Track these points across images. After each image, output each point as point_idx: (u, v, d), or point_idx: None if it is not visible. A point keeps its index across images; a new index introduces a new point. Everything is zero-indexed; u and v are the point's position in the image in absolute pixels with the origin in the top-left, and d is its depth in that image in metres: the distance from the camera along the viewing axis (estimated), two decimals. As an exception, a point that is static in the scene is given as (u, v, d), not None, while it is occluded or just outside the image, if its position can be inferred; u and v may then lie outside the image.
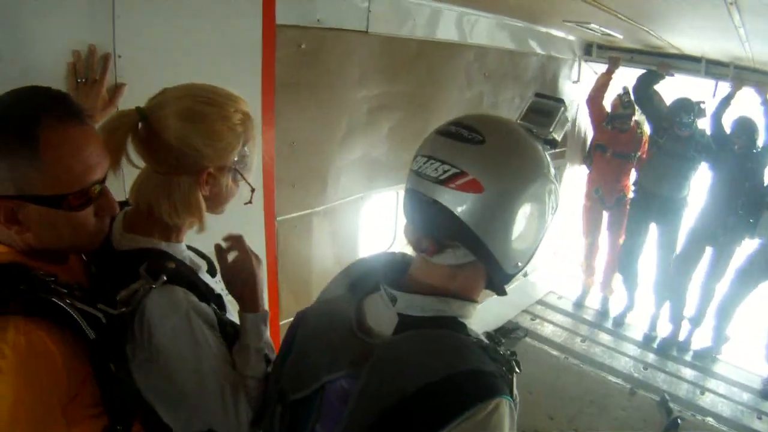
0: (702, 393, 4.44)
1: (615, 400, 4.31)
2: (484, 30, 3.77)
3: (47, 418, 0.94)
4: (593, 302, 5.67)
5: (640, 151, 5.15)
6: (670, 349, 4.94)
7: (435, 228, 0.96)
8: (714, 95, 4.73)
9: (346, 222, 3.16)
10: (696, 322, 4.93)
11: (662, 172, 4.79)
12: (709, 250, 4.76)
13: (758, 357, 4.63)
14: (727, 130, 4.49)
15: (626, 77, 5.05)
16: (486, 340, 0.99)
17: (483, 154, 0.93)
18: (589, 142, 5.62)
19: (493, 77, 4.04)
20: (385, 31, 2.95)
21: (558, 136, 1.08)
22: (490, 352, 0.94)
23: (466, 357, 0.91)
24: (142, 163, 1.24)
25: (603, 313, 5.53)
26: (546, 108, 1.12)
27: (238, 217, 1.35)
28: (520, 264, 1.00)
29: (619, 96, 5.05)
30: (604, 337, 5.17)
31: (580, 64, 5.34)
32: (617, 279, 5.44)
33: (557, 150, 1.31)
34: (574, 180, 5.65)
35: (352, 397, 0.93)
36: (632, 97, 4.89)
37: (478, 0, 3.28)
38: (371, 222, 3.46)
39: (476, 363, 0.90)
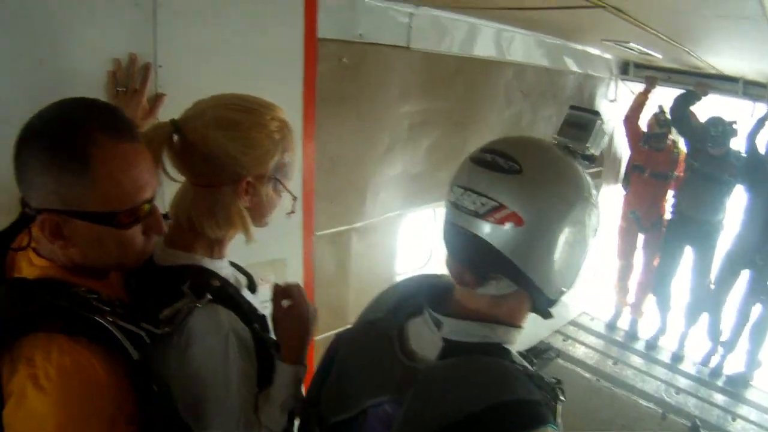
0: (733, 419, 4.26)
1: (646, 424, 4.18)
2: (523, 47, 3.69)
3: None
4: (625, 324, 5.51)
5: (677, 171, 4.99)
6: (717, 376, 4.75)
7: (476, 261, 0.93)
8: (752, 117, 4.55)
9: (383, 239, 3.07)
10: (730, 346, 4.73)
11: (698, 196, 4.65)
12: (745, 273, 4.56)
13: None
14: (762, 151, 4.33)
15: (662, 96, 4.91)
16: (531, 368, 0.96)
17: (521, 184, 0.89)
18: (625, 164, 5.46)
19: (532, 95, 3.94)
20: (425, 47, 2.89)
21: (596, 151, 1.05)
22: (536, 380, 0.90)
23: (513, 386, 0.87)
24: (179, 176, 1.19)
25: (632, 335, 5.35)
26: (581, 121, 1.07)
27: (276, 231, 1.29)
28: (564, 289, 0.97)
29: (655, 115, 4.93)
30: (636, 360, 5.00)
31: (617, 83, 5.21)
32: (649, 301, 5.28)
33: (594, 170, 1.23)
34: (609, 201, 5.49)
35: (396, 422, 0.90)
36: (668, 116, 4.74)
37: (517, 18, 3.19)
38: (407, 239, 3.37)
39: (522, 392, 0.86)
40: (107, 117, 0.94)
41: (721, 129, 4.39)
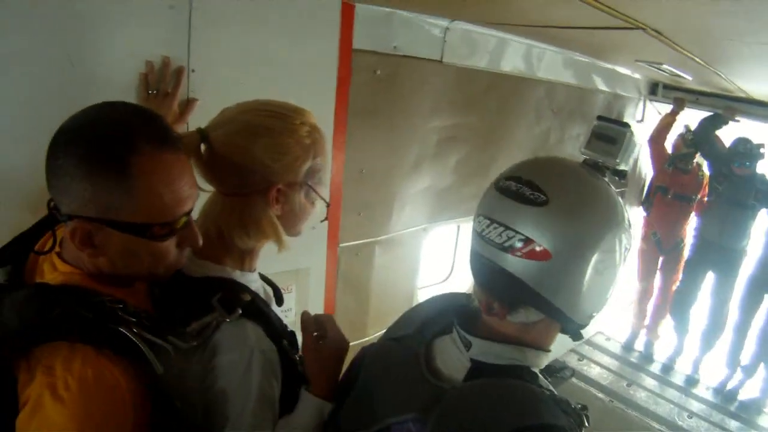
0: (745, 445, 4.15)
1: (658, 447, 4.09)
2: (553, 65, 3.60)
3: None
4: (640, 345, 5.39)
5: (700, 194, 4.87)
6: (731, 401, 4.62)
7: (504, 293, 0.91)
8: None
9: (406, 252, 3.00)
10: (750, 371, 4.60)
11: (722, 221, 4.54)
12: (768, 298, 4.47)
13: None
14: None
15: (689, 118, 4.79)
16: (558, 394, 0.91)
17: (548, 217, 0.85)
18: (647, 185, 5.33)
19: (561, 113, 3.85)
20: (459, 62, 2.81)
21: (626, 166, 1.01)
22: (563, 405, 0.87)
23: (539, 410, 0.84)
24: (208, 186, 1.13)
25: (647, 357, 5.22)
26: (611, 133, 1.04)
27: (301, 241, 1.21)
28: (594, 314, 0.95)
29: (682, 135, 4.81)
30: (650, 382, 4.87)
31: (645, 104, 5.08)
32: (665, 324, 5.16)
33: (618, 189, 1.17)
34: (631, 221, 5.29)
35: None
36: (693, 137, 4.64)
37: (550, 35, 3.10)
38: (430, 254, 3.30)
39: (548, 417, 0.83)
40: (152, 125, 0.89)
41: (750, 147, 4.30)
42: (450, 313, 1.02)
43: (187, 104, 1.67)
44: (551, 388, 0.94)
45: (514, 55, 3.23)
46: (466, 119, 3.02)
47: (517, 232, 0.86)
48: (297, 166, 1.10)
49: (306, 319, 1.20)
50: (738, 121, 4.44)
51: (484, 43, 2.98)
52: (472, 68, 2.93)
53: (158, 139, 0.88)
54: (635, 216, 5.35)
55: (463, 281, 3.68)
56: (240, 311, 1.03)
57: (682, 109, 4.77)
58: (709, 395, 4.67)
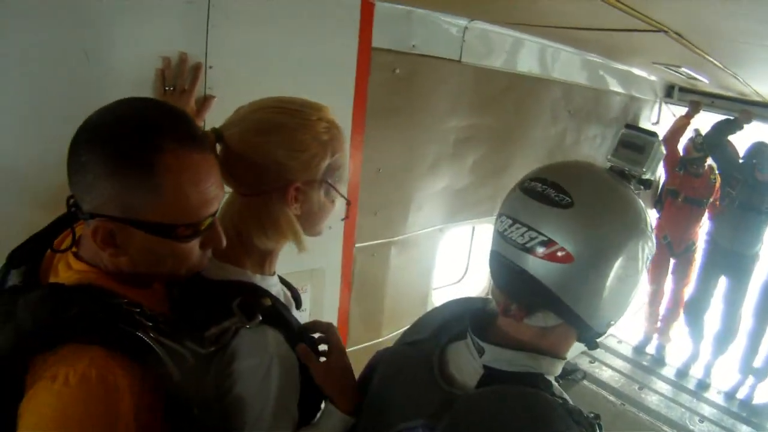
0: (757, 450, 4.11)
1: (669, 452, 4.05)
2: (570, 66, 3.54)
3: None
4: (652, 349, 5.33)
5: (712, 197, 4.78)
6: (743, 406, 4.56)
7: (522, 295, 0.89)
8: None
9: (421, 253, 2.95)
10: (762, 375, 4.54)
11: (735, 226, 4.49)
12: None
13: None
14: None
15: (703, 121, 4.72)
16: (572, 402, 0.89)
17: (572, 220, 0.84)
18: (660, 187, 5.25)
19: (577, 115, 3.79)
20: (477, 62, 2.76)
21: (652, 176, 1.00)
22: (575, 415, 0.84)
23: (550, 419, 0.82)
24: (225, 187, 1.06)
25: (659, 360, 5.15)
26: (638, 142, 1.03)
27: (317, 240, 1.17)
28: (612, 322, 0.93)
29: (692, 139, 4.72)
30: (662, 386, 4.81)
31: (660, 106, 5.00)
32: (677, 327, 5.11)
33: (636, 191, 1.15)
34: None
35: None
36: (703, 141, 4.57)
37: (569, 36, 3.03)
38: (445, 254, 3.24)
39: (560, 427, 0.81)
40: (180, 123, 0.86)
41: None
42: (466, 318, 1.00)
43: (204, 101, 1.63)
44: (565, 396, 0.91)
45: (531, 55, 3.18)
46: (483, 119, 2.97)
47: (539, 233, 0.84)
48: (315, 164, 1.06)
49: (304, 353, 1.09)
50: (750, 122, 4.36)
51: (502, 43, 2.93)
52: (490, 68, 2.87)
53: (186, 138, 0.85)
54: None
55: (477, 283, 3.65)
56: (260, 317, 0.99)
57: (698, 112, 4.70)
58: (720, 400, 4.62)
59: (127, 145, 0.80)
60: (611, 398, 4.53)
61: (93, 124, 0.83)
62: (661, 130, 4.94)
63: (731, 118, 4.38)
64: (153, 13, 1.49)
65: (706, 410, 4.49)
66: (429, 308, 1.17)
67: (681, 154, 4.84)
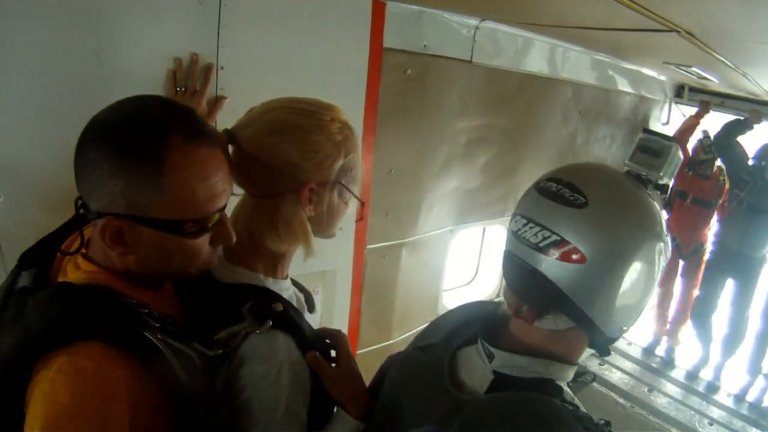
0: (766, 453, 4.03)
1: (679, 454, 3.98)
2: (580, 66, 3.51)
3: None
4: (661, 351, 5.25)
5: (721, 199, 4.69)
6: (752, 409, 4.48)
7: (534, 296, 0.88)
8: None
9: (432, 255, 2.92)
10: None
11: (743, 228, 4.40)
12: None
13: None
14: None
15: (713, 121, 4.65)
16: (583, 409, 0.86)
17: (586, 220, 0.83)
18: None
19: (588, 115, 3.75)
20: (488, 62, 2.73)
21: (669, 181, 1.00)
22: (585, 422, 0.82)
23: (559, 427, 0.80)
24: (237, 189, 1.06)
25: (668, 363, 5.08)
26: (655, 147, 1.03)
27: (329, 242, 1.15)
28: (625, 328, 0.91)
29: (700, 141, 4.60)
30: (671, 388, 4.75)
31: (670, 106, 4.95)
32: (686, 329, 5.03)
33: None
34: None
35: None
36: (712, 143, 4.48)
37: (580, 36, 2.99)
38: (455, 255, 3.21)
39: None
40: (186, 118, 0.85)
41: None
42: (477, 323, 0.99)
43: (216, 102, 1.62)
44: (576, 402, 0.89)
45: (541, 55, 3.15)
46: (495, 120, 2.94)
47: (553, 233, 0.83)
48: (329, 165, 1.03)
49: (314, 360, 1.07)
50: (760, 122, 4.31)
51: (513, 43, 2.90)
52: (501, 69, 2.84)
53: (191, 133, 0.83)
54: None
55: (488, 284, 3.62)
56: (270, 323, 0.96)
57: (708, 112, 4.63)
58: (730, 402, 4.55)
59: (133, 142, 0.79)
60: (620, 401, 4.48)
61: (99, 122, 0.81)
62: (671, 131, 4.89)
63: (741, 118, 4.32)
64: (164, 14, 1.47)
65: (716, 413, 4.43)
66: (440, 310, 1.15)
67: (690, 154, 4.75)
